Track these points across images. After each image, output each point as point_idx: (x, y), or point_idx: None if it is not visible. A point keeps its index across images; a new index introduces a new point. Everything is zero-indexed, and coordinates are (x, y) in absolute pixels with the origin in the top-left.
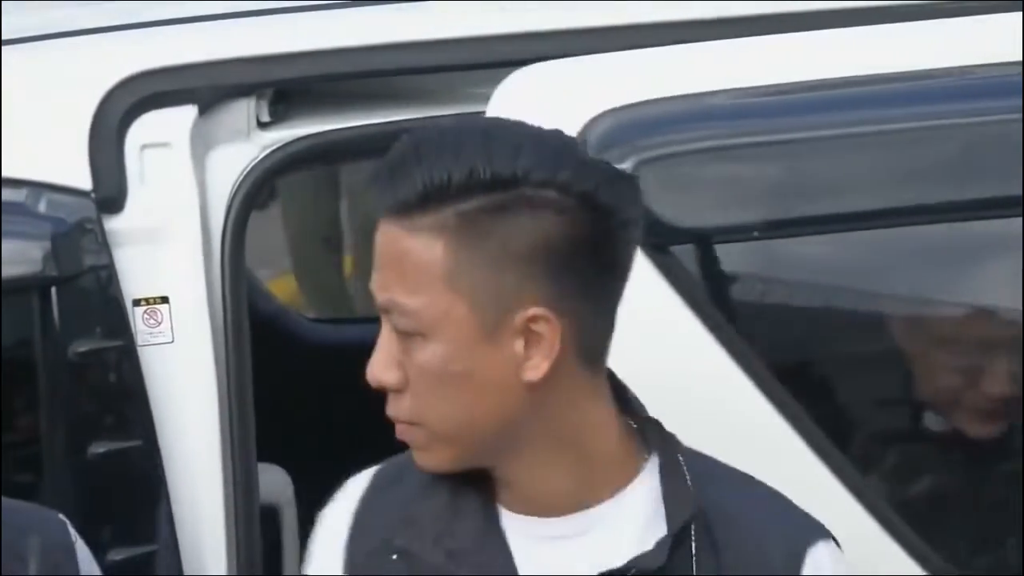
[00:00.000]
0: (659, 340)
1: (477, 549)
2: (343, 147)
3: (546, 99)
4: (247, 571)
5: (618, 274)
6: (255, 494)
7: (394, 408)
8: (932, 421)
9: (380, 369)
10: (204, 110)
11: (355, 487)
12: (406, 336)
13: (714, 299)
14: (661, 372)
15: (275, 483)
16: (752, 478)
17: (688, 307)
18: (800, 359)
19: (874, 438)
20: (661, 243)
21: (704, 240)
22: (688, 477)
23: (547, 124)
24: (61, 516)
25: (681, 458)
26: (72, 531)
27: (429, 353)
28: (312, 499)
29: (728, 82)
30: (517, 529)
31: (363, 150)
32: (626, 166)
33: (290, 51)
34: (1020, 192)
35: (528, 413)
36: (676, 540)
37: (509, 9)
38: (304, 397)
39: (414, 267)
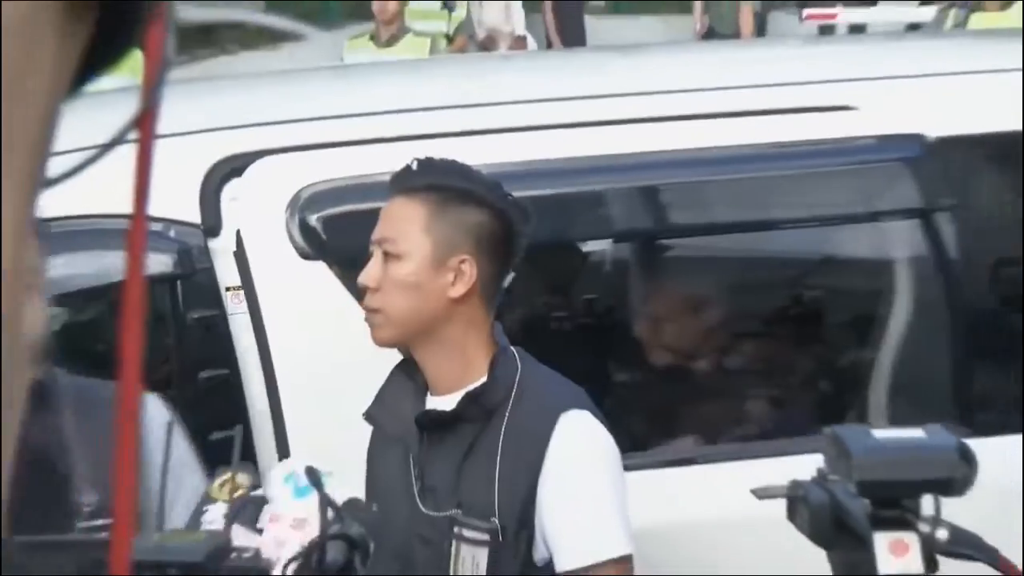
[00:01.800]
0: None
1: (407, 415)
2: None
3: (274, 178)
4: (284, 440)
5: (508, 256)
6: None
7: (368, 301)
8: None
9: (368, 274)
10: None
11: None
12: (389, 257)
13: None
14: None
15: None
16: (563, 379)
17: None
18: None
19: None
20: (338, 258)
21: (349, 257)
22: (505, 375)
23: (273, 190)
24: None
25: (516, 369)
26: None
27: (401, 268)
28: None
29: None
30: (432, 403)
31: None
32: (314, 212)
33: (317, 142)
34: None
35: (446, 318)
36: (494, 406)
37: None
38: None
39: (407, 219)
